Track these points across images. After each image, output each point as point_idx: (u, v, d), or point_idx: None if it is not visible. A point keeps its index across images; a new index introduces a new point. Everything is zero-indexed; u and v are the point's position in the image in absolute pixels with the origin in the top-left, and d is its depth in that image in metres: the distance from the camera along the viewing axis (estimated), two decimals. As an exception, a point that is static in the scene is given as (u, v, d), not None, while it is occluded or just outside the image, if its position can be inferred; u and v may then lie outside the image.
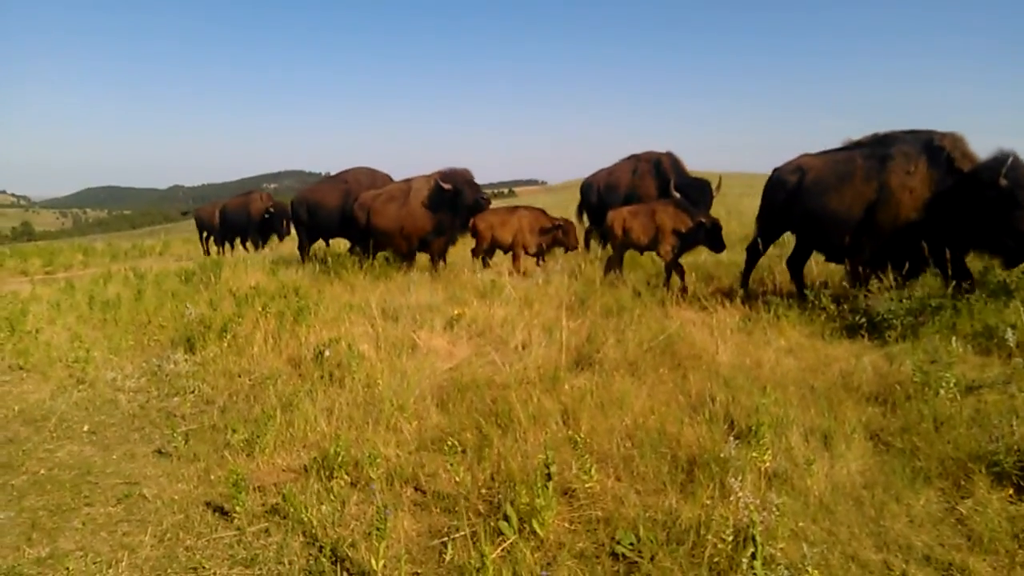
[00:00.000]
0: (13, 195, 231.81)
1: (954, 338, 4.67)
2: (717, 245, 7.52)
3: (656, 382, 4.33)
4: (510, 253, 9.28)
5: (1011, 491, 2.87)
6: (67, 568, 2.69)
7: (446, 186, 8.78)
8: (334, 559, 2.69)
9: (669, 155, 10.25)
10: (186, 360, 5.50)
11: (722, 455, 3.11)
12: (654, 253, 7.98)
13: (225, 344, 5.67)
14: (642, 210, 8.05)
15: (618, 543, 2.63)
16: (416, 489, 3.25)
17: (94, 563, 2.76)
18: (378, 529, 2.53)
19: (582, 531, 2.80)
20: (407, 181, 9.73)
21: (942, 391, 3.77)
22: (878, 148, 6.28)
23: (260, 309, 6.27)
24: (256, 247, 16.36)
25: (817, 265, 7.63)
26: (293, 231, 13.79)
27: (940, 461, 3.16)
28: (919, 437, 3.38)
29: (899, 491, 2.96)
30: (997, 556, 2.52)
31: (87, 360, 5.45)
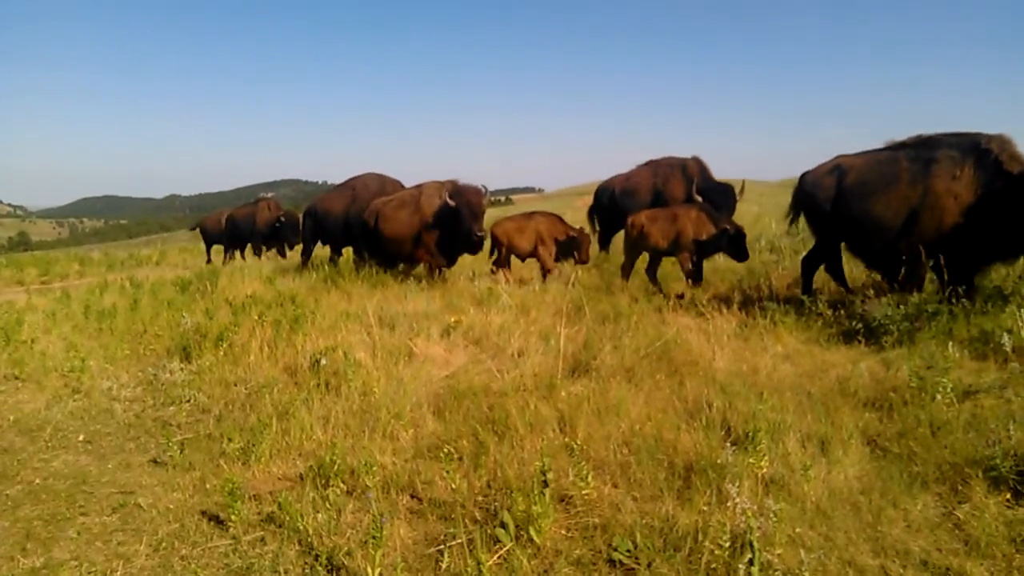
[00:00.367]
0: (9, 205, 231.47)
1: (950, 343, 4.66)
2: (740, 254, 7.26)
3: (653, 388, 4.33)
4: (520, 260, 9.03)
5: (1008, 496, 2.87)
6: (61, 578, 2.67)
7: (451, 202, 8.51)
8: (330, 568, 2.67)
9: (696, 159, 10.13)
10: (182, 369, 5.48)
11: (719, 461, 3.10)
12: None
13: (221, 353, 5.66)
14: (662, 214, 7.81)
15: (615, 550, 2.63)
16: (412, 497, 3.24)
17: (89, 573, 2.74)
18: (374, 537, 2.52)
19: (579, 538, 2.79)
20: (418, 187, 9.47)
21: (939, 396, 3.78)
22: (922, 150, 6.02)
23: (256, 318, 6.26)
24: (261, 253, 16.26)
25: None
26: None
27: (937, 466, 3.17)
28: (916, 442, 3.38)
29: (896, 496, 2.96)
30: (994, 561, 2.52)
31: (83, 370, 5.43)
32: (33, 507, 3.37)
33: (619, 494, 3.07)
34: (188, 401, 4.87)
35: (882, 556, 2.58)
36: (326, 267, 10.32)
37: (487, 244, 9.10)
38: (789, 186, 8.06)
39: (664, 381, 4.45)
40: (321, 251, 12.52)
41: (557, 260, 8.82)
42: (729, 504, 2.70)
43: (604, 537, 2.75)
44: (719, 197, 8.83)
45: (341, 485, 3.30)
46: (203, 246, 18.79)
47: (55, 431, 4.43)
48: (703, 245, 7.38)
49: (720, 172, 10.05)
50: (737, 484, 2.83)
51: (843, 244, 6.87)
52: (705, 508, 2.81)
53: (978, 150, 5.72)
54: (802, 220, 7.24)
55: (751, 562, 2.26)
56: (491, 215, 9.84)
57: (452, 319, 6.19)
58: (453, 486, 3.15)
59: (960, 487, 2.98)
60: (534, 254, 8.85)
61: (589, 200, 12.23)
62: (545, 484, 2.78)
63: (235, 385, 5.09)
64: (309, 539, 2.88)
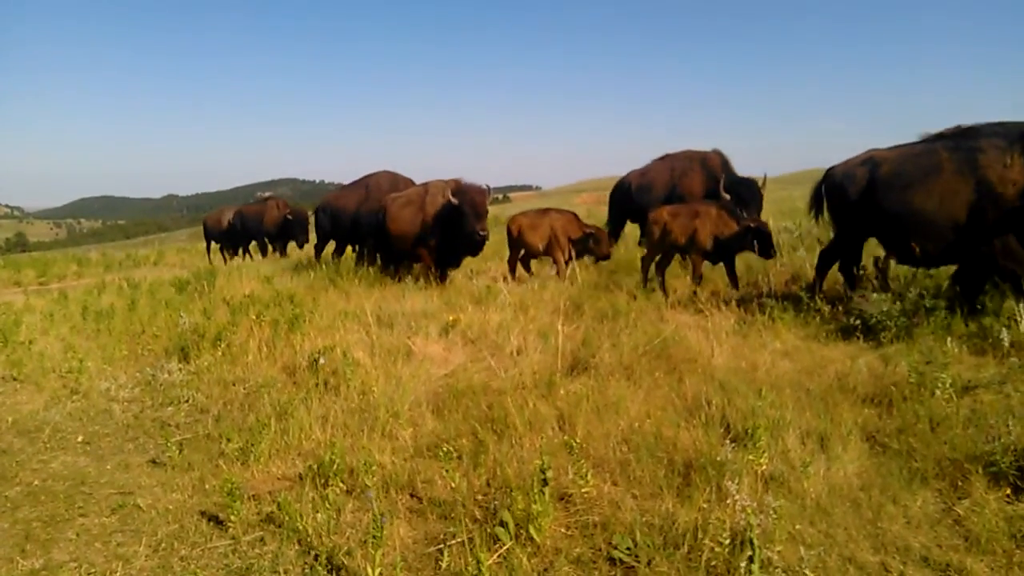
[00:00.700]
0: (7, 206, 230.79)
1: (949, 339, 4.67)
2: (767, 250, 6.99)
3: (652, 386, 4.32)
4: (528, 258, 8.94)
5: (1008, 491, 2.87)
6: (60, 580, 2.67)
7: (454, 201, 8.38)
8: (330, 567, 2.67)
9: (717, 152, 9.81)
10: (180, 369, 5.47)
11: (718, 458, 3.10)
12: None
13: (219, 353, 5.65)
14: (684, 211, 7.61)
15: (615, 548, 2.62)
16: (412, 496, 3.23)
17: (88, 574, 2.74)
18: (374, 537, 2.51)
19: (579, 536, 2.79)
20: (424, 185, 9.40)
21: (938, 392, 3.77)
22: (963, 141, 5.78)
23: (255, 317, 6.25)
24: (269, 252, 16.20)
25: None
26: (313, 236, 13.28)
27: (937, 462, 3.16)
28: (915, 438, 3.38)
29: (896, 492, 2.95)
30: (995, 556, 2.52)
31: (81, 370, 5.42)
32: (32, 508, 3.36)
33: (619, 492, 3.07)
34: (186, 401, 4.87)
35: (882, 552, 2.58)
36: (324, 266, 10.31)
37: (486, 245, 9.03)
38: (784, 182, 8.00)
39: (663, 378, 4.45)
40: (326, 248, 12.49)
41: (577, 257, 8.66)
42: (729, 501, 2.70)
43: (604, 535, 2.75)
44: (745, 191, 8.47)
45: (340, 485, 3.29)
46: (202, 246, 18.77)
47: (53, 432, 4.42)
48: (727, 243, 7.16)
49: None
50: (737, 481, 2.83)
51: (875, 239, 6.56)
52: (705, 505, 2.81)
53: None
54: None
55: (751, 559, 2.26)
56: (491, 214, 9.73)
57: (450, 317, 6.18)
58: (452, 485, 3.14)
59: (960, 483, 2.98)
60: (547, 251, 8.74)
61: (587, 198, 12.22)
62: (545, 482, 2.78)
63: (233, 385, 5.08)
64: (309, 539, 2.87)
